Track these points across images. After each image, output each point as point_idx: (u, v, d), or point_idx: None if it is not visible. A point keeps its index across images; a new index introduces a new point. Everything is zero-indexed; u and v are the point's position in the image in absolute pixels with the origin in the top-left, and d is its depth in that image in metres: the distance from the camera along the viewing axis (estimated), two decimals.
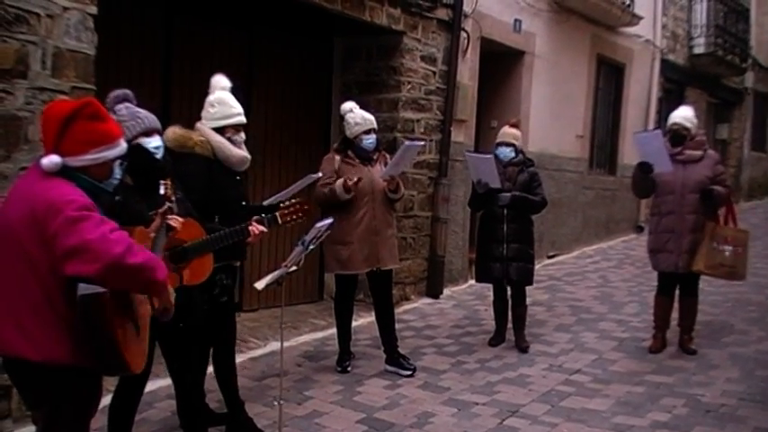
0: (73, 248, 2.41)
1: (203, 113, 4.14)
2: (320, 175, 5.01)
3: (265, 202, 4.53)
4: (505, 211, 5.90)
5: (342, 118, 5.46)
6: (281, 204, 4.02)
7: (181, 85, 6.21)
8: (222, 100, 4.11)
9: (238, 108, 4.13)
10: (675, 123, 5.84)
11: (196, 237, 3.51)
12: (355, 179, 5.13)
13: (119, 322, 2.62)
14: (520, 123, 6.25)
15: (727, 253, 5.72)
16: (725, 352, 5.96)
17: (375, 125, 5.40)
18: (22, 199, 2.55)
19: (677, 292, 6.01)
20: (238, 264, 4.37)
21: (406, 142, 5.62)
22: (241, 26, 6.84)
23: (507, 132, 6.08)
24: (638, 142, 5.98)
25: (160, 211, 3.08)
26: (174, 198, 3.22)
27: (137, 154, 3.29)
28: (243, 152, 4.14)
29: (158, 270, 2.59)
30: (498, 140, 6.10)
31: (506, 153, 5.99)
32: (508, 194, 5.82)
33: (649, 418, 4.62)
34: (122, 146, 2.72)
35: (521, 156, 6.05)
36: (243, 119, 4.14)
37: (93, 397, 2.73)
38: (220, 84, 4.17)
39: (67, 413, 2.62)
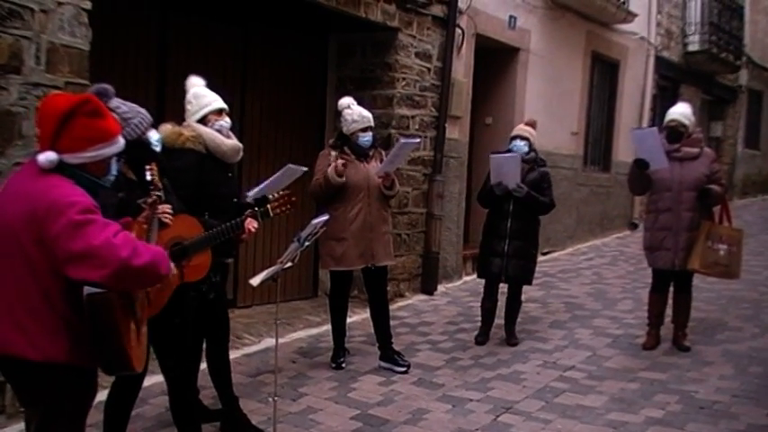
0: (78, 254, 2.38)
1: (185, 114, 4.16)
2: (302, 168, 4.86)
3: (250, 194, 4.47)
4: (511, 208, 5.91)
5: (339, 113, 5.45)
6: (272, 197, 4.07)
7: (176, 81, 6.12)
8: (196, 94, 4.15)
9: (213, 95, 4.16)
10: (673, 120, 5.85)
11: (194, 233, 3.50)
12: (342, 161, 5.14)
13: (124, 321, 2.60)
14: (536, 124, 6.24)
15: (722, 252, 5.74)
16: (719, 349, 5.98)
17: (372, 123, 5.39)
18: (19, 197, 2.50)
19: (671, 288, 6.04)
20: (231, 260, 4.34)
21: (402, 139, 5.59)
22: (236, 22, 6.82)
23: (522, 127, 6.16)
24: (634, 139, 5.99)
25: (149, 201, 3.03)
26: (161, 185, 3.15)
27: (139, 148, 3.24)
28: (234, 141, 4.14)
29: (162, 264, 2.57)
30: (513, 134, 6.14)
31: (520, 147, 5.99)
32: (525, 188, 5.81)
33: (643, 414, 4.63)
34: (120, 143, 2.67)
35: (533, 153, 6.07)
36: (221, 104, 4.15)
37: (89, 395, 2.72)
38: (192, 83, 4.22)
39: (64, 411, 2.60)
